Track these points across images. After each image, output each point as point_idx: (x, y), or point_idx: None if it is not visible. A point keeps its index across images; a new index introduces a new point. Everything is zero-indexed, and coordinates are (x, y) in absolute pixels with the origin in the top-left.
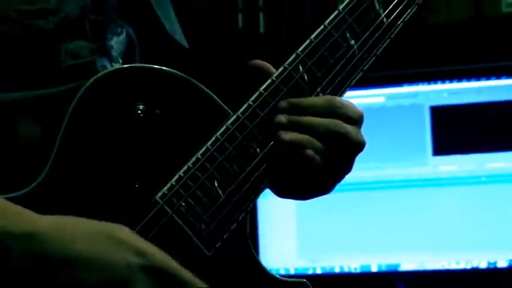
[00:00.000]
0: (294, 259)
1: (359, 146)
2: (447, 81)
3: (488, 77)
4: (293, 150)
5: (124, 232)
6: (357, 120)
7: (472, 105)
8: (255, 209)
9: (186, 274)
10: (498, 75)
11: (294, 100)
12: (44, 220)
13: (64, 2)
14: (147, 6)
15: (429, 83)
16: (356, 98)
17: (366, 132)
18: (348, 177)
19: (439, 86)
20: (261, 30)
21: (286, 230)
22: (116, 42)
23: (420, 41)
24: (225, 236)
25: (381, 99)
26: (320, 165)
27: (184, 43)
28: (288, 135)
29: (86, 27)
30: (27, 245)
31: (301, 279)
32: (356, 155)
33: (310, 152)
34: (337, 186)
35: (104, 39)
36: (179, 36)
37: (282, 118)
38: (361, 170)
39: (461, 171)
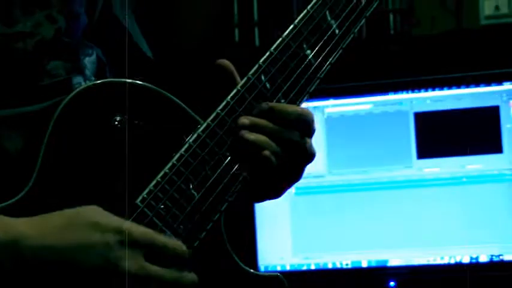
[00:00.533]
0: (289, 256)
1: (312, 156)
2: (430, 89)
3: (467, 85)
4: (252, 149)
5: (97, 213)
6: (313, 133)
7: (453, 111)
8: (252, 211)
9: (168, 242)
10: (477, 83)
11: (272, 104)
12: (23, 224)
13: (40, 26)
14: (119, 26)
15: (413, 91)
16: (345, 106)
17: (355, 137)
18: (339, 180)
19: (422, 94)
20: (257, 43)
21: (282, 230)
22: (89, 62)
23: (405, 52)
24: (202, 235)
25: (369, 107)
26: (275, 167)
27: (150, 55)
28: (248, 135)
29: (60, 48)
30: (15, 251)
31: (275, 273)
32: (308, 164)
33: (267, 152)
34: (331, 189)
35: (78, 60)
36: (148, 51)
37: (245, 120)
38: (351, 173)
39: (444, 172)
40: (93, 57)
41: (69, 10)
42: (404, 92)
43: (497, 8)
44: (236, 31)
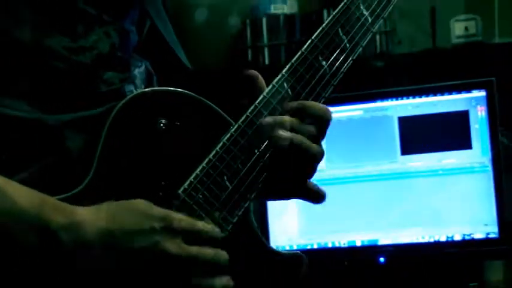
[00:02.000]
0: (296, 238)
1: (323, 153)
2: (411, 97)
3: (442, 93)
4: (293, 145)
5: (144, 204)
6: (327, 129)
7: (431, 115)
8: (265, 201)
9: (203, 226)
10: (450, 92)
11: (296, 103)
12: (83, 210)
13: (98, 41)
14: (162, 42)
15: (397, 99)
16: (340, 112)
17: (349, 138)
18: (336, 174)
19: (404, 101)
20: (266, 62)
21: (289, 215)
22: (138, 73)
23: (390, 67)
24: (234, 220)
25: (360, 113)
26: (318, 158)
27: (189, 67)
28: (287, 133)
29: (114, 61)
30: (75, 234)
31: (298, 252)
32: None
33: (309, 145)
34: (330, 181)
35: (129, 71)
36: (187, 62)
37: (270, 119)
38: (346, 167)
39: (424, 166)
40: (142, 68)
41: (121, 27)
42: (389, 100)
43: (466, 28)
44: (249, 52)
